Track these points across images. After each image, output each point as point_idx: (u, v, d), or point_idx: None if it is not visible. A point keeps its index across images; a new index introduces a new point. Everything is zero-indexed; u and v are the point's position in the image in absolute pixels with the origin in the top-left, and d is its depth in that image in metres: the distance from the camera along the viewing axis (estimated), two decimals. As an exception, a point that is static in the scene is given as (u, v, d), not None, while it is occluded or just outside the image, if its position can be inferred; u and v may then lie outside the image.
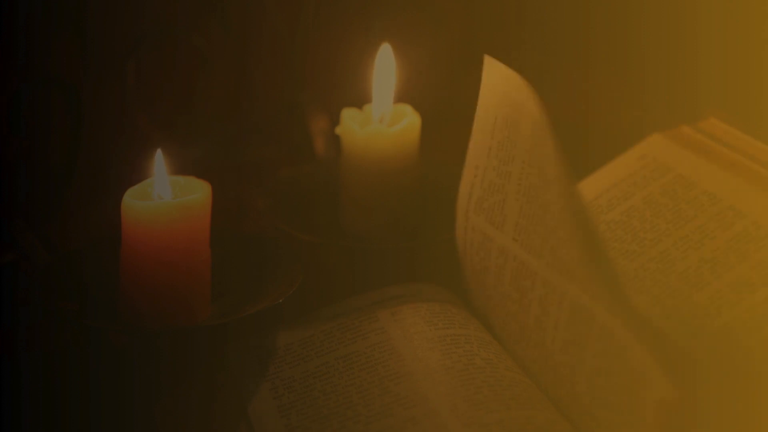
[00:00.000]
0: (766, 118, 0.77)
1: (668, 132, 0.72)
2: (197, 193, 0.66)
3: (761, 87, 0.83)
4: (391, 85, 0.79)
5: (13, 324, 0.69)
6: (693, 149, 0.69)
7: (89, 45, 0.82)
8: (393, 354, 0.63)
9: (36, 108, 0.76)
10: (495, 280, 0.64)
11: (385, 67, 0.79)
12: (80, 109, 0.76)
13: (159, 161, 0.67)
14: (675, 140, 0.71)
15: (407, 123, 0.77)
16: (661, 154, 0.70)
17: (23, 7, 0.77)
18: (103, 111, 0.83)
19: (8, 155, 0.75)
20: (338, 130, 0.78)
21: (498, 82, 0.64)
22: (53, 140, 0.78)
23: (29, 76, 0.78)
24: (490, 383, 0.60)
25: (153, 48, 0.84)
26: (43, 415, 0.63)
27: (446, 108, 0.92)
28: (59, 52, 0.81)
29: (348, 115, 0.78)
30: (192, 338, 0.65)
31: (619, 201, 0.68)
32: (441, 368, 0.61)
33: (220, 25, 0.89)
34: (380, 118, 0.79)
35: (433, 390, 0.59)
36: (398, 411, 0.58)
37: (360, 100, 0.80)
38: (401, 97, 0.80)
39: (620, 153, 0.73)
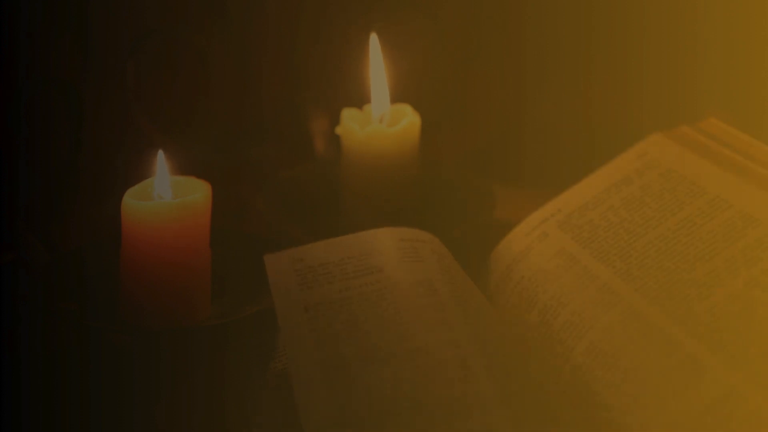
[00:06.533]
0: (766, 118, 0.77)
1: (668, 132, 0.72)
2: (197, 193, 0.66)
3: (761, 87, 0.83)
4: (383, 74, 0.79)
5: (13, 324, 0.69)
6: (693, 149, 0.69)
7: (90, 45, 0.82)
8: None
9: (36, 108, 0.76)
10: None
11: (375, 57, 0.79)
12: (81, 109, 0.76)
13: (161, 162, 0.67)
14: (675, 140, 0.71)
15: (407, 123, 0.77)
16: (661, 153, 0.70)
17: (25, 8, 0.77)
18: (104, 111, 0.83)
19: (9, 155, 0.75)
20: (338, 130, 0.78)
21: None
22: (54, 140, 0.78)
23: (30, 76, 0.78)
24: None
25: (154, 48, 0.84)
26: (43, 415, 0.63)
27: (446, 108, 0.92)
28: (60, 53, 0.81)
29: (348, 115, 0.78)
30: (192, 338, 0.65)
31: (618, 195, 0.69)
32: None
33: (220, 25, 0.89)
34: (380, 118, 0.79)
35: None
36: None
37: (360, 100, 0.80)
38: (401, 97, 0.80)
39: (620, 153, 0.73)
